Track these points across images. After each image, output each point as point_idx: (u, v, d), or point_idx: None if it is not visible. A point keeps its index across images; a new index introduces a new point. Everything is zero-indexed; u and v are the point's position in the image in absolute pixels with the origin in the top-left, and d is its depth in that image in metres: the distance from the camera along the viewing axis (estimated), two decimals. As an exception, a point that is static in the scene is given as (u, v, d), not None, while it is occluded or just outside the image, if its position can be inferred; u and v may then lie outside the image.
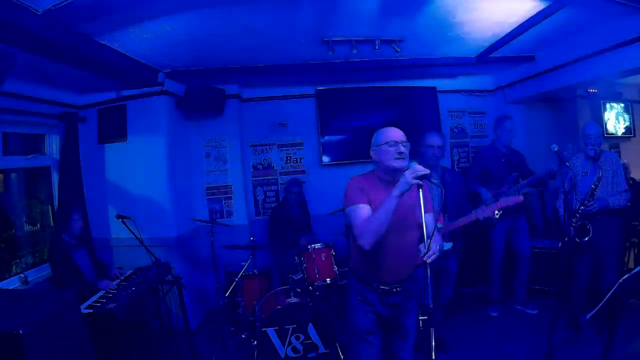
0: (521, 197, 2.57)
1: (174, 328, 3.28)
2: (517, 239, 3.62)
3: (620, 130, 5.55)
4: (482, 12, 2.85)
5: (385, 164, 1.89)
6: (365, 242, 1.75)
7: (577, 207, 2.98)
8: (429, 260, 1.59)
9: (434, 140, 3.03)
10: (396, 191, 1.69)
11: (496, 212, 2.57)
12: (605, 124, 5.27)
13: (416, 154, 3.04)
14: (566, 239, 2.91)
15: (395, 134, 1.91)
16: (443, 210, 2.86)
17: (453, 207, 3.03)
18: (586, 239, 2.91)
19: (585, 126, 3.11)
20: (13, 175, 3.31)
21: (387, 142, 1.87)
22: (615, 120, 5.49)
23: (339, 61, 3.72)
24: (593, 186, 2.91)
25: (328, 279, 3.28)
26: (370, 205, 1.85)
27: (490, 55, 3.80)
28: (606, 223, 2.97)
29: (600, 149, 3.05)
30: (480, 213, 2.57)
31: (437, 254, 1.64)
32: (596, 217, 2.94)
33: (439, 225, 1.85)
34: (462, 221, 2.71)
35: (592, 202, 2.92)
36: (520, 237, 3.62)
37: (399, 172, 1.82)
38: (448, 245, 3.00)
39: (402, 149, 1.86)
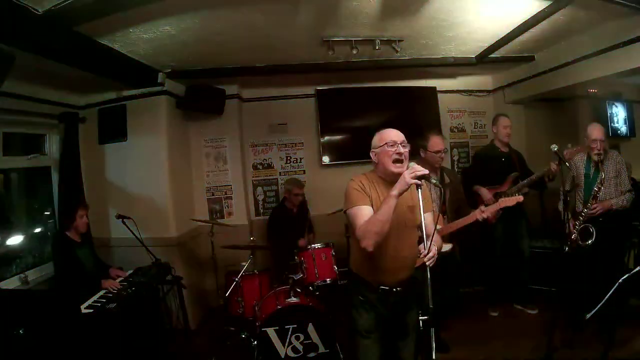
0: (521, 197, 2.55)
1: (174, 328, 3.28)
2: (517, 239, 3.62)
3: (620, 130, 5.55)
4: (482, 12, 2.85)
5: (384, 167, 1.88)
6: (368, 243, 1.74)
7: (580, 209, 2.95)
8: (429, 263, 1.59)
9: (439, 144, 2.98)
10: (395, 191, 1.69)
11: (497, 212, 2.57)
12: (607, 124, 5.27)
13: (419, 158, 3.01)
14: (568, 242, 2.88)
15: (393, 134, 1.90)
16: (442, 211, 2.85)
17: (452, 207, 3.02)
18: (589, 242, 2.86)
19: (590, 130, 2.99)
20: (13, 175, 3.32)
21: (386, 143, 1.87)
22: (615, 120, 5.50)
23: (339, 61, 3.72)
24: (596, 189, 2.86)
25: (328, 279, 3.28)
26: (372, 205, 1.84)
27: (490, 55, 3.80)
28: (609, 225, 2.93)
29: (604, 151, 2.98)
30: (479, 214, 2.56)
31: (436, 255, 1.63)
32: (599, 220, 2.91)
33: (439, 227, 1.84)
34: (461, 222, 2.70)
35: (595, 205, 2.89)
36: (520, 237, 3.61)
37: (397, 175, 1.81)
38: (447, 248, 2.99)
39: (402, 149, 1.85)
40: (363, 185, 1.89)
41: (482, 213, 2.55)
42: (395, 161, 1.84)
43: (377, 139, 1.94)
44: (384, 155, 1.87)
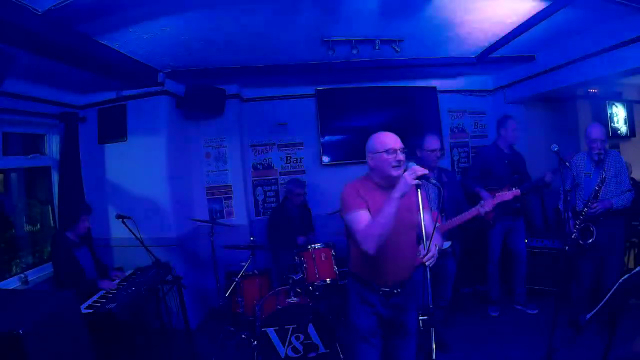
0: (518, 191, 2.60)
1: (174, 328, 3.27)
2: (515, 239, 3.62)
3: (620, 130, 5.55)
4: (482, 12, 2.85)
5: (383, 172, 1.87)
6: (369, 246, 1.74)
7: (580, 209, 2.95)
8: (428, 263, 1.59)
9: (434, 143, 3.04)
10: (397, 193, 1.69)
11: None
12: (607, 124, 5.27)
13: (415, 157, 3.06)
14: (569, 240, 2.88)
15: (392, 140, 1.87)
16: (440, 211, 2.87)
17: (450, 207, 3.03)
18: (590, 241, 2.87)
19: (590, 130, 2.96)
20: (13, 175, 3.32)
21: (385, 150, 1.85)
22: (615, 120, 5.50)
23: (339, 61, 3.72)
24: (596, 187, 2.86)
25: (328, 279, 3.28)
26: (369, 210, 1.84)
27: (490, 55, 3.80)
28: (610, 224, 2.93)
29: (605, 151, 2.97)
30: (480, 208, 2.61)
31: (436, 255, 1.63)
32: (600, 219, 2.91)
33: (437, 224, 1.85)
34: (462, 217, 2.73)
35: (595, 205, 2.89)
36: (518, 237, 3.62)
37: (396, 178, 1.81)
38: (447, 245, 3.00)
39: (401, 156, 1.84)
40: (358, 190, 1.88)
41: (482, 207, 2.60)
42: (394, 167, 1.84)
43: (373, 144, 1.92)
44: (382, 162, 1.86)
